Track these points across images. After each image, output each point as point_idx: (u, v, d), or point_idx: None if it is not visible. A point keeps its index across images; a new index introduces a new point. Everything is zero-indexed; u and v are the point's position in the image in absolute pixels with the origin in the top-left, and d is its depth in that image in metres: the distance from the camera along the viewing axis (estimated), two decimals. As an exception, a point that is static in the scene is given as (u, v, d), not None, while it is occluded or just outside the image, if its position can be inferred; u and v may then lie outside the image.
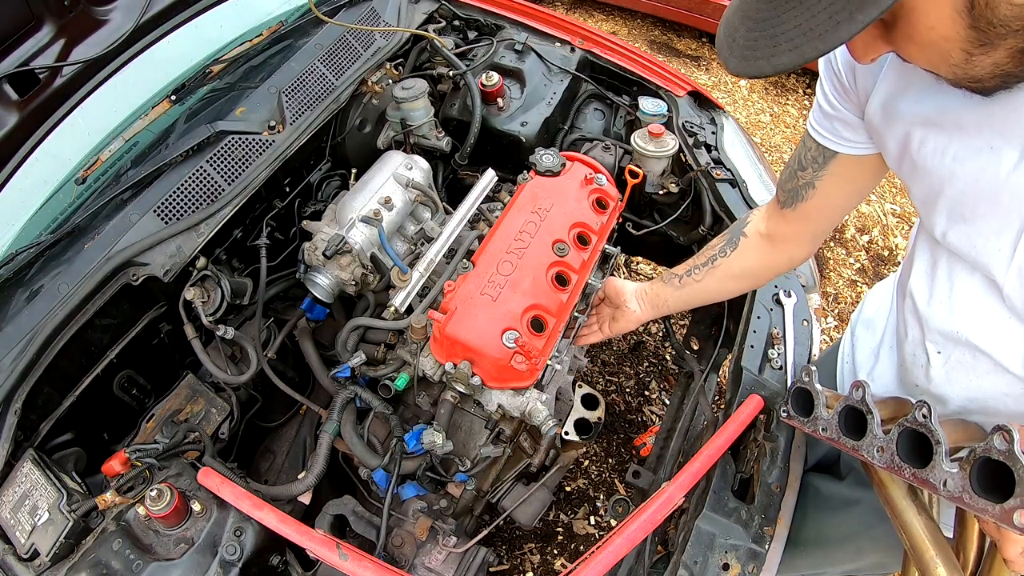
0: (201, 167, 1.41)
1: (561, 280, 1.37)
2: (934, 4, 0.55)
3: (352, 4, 1.83)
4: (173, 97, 1.62)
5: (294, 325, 1.57)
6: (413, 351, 1.42)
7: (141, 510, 1.13)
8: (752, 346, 1.38)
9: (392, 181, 1.59)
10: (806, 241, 1.13)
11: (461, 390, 1.37)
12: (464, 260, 1.40)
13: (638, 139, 1.73)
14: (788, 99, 4.10)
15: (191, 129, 1.47)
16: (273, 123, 1.53)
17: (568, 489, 2.27)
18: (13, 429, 1.16)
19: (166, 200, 1.36)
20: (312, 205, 1.71)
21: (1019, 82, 0.60)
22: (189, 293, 1.35)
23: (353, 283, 1.52)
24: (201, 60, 1.71)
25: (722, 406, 1.52)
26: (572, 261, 1.41)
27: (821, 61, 0.88)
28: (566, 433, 1.61)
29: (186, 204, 1.38)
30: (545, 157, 1.57)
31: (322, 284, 1.49)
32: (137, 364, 1.43)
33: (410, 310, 1.42)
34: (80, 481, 1.19)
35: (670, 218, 1.78)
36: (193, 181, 1.39)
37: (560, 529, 2.17)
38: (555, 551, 2.12)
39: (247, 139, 1.48)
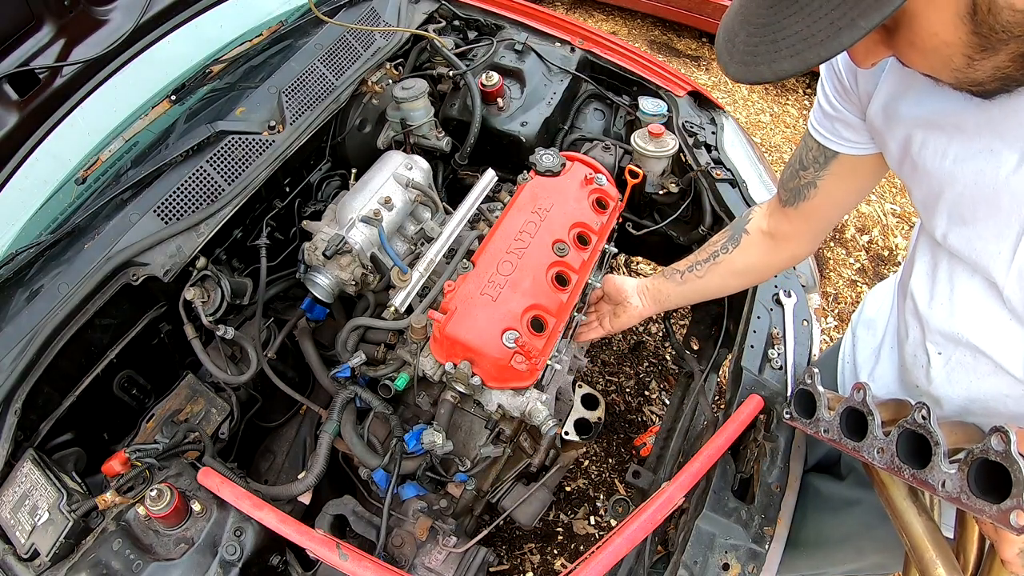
0: (201, 167, 1.41)
1: (561, 280, 1.38)
2: (936, 10, 0.55)
3: (352, 4, 1.83)
4: (173, 97, 1.62)
5: (294, 325, 1.57)
6: (413, 351, 1.42)
7: (141, 510, 1.13)
8: (752, 346, 1.38)
9: (392, 181, 1.59)
10: (808, 238, 1.14)
11: (461, 390, 1.37)
12: (464, 260, 1.40)
13: (638, 139, 1.73)
14: (788, 99, 4.10)
15: (191, 129, 1.47)
16: (273, 123, 1.53)
17: (568, 489, 2.27)
18: (13, 429, 1.16)
19: (166, 200, 1.36)
20: (312, 205, 1.71)
21: (1019, 85, 0.60)
22: (189, 293, 1.35)
23: (353, 283, 1.52)
24: (201, 60, 1.71)
25: (722, 406, 1.52)
26: (572, 261, 1.41)
27: (822, 62, 0.88)
28: (566, 433, 1.61)
29: (186, 204, 1.38)
30: (545, 157, 1.57)
31: (322, 284, 1.49)
32: (137, 364, 1.43)
33: (410, 310, 1.42)
34: (80, 481, 1.19)
35: (670, 218, 1.78)
36: (193, 181, 1.39)
37: (560, 529, 2.17)
38: (555, 551, 2.12)
39: (247, 139, 1.48)
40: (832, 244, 3.17)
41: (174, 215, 1.36)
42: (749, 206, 1.62)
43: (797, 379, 1.21)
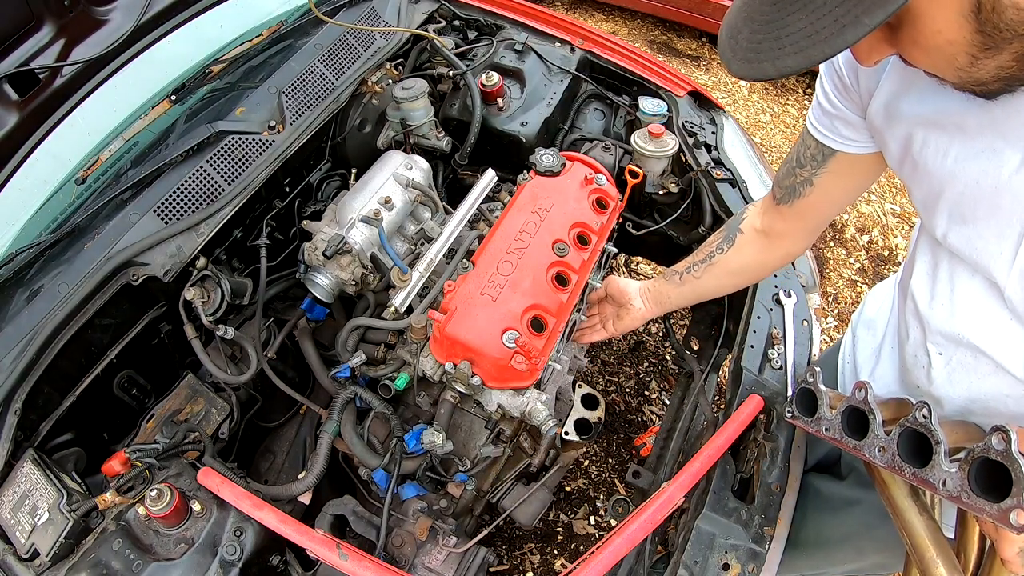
0: (201, 167, 1.41)
1: (561, 280, 1.38)
2: (940, 8, 0.54)
3: (352, 4, 1.83)
4: (173, 97, 1.62)
5: (294, 325, 1.57)
6: (413, 351, 1.42)
7: (141, 510, 1.13)
8: (752, 346, 1.38)
9: (392, 181, 1.59)
10: (802, 236, 1.14)
11: (461, 390, 1.37)
12: (464, 260, 1.40)
13: (638, 139, 1.73)
14: (788, 99, 4.10)
15: (191, 129, 1.47)
16: (273, 123, 1.53)
17: (568, 489, 2.27)
18: (13, 429, 1.16)
19: (166, 200, 1.36)
20: (312, 205, 1.71)
21: (1022, 85, 0.60)
22: (189, 293, 1.35)
23: (353, 283, 1.52)
24: (201, 60, 1.71)
25: (722, 406, 1.52)
26: (572, 261, 1.41)
27: (822, 60, 0.88)
28: (566, 433, 1.61)
29: (186, 204, 1.38)
30: (545, 157, 1.57)
31: (322, 284, 1.49)
32: (137, 364, 1.43)
33: (410, 310, 1.42)
34: (80, 481, 1.19)
35: (670, 218, 1.78)
36: (193, 181, 1.39)
37: (560, 529, 2.17)
38: (555, 551, 2.12)
39: (247, 139, 1.48)
40: (832, 244, 3.17)
41: (174, 215, 1.36)
42: (749, 206, 1.62)
43: (798, 378, 1.21)
